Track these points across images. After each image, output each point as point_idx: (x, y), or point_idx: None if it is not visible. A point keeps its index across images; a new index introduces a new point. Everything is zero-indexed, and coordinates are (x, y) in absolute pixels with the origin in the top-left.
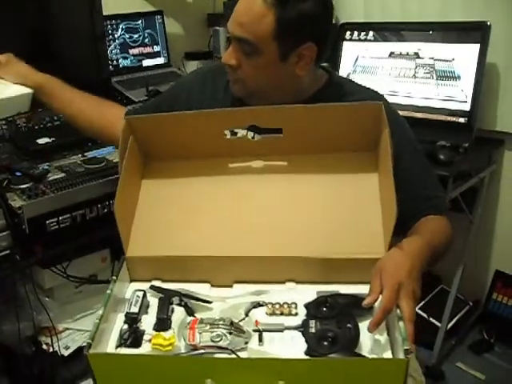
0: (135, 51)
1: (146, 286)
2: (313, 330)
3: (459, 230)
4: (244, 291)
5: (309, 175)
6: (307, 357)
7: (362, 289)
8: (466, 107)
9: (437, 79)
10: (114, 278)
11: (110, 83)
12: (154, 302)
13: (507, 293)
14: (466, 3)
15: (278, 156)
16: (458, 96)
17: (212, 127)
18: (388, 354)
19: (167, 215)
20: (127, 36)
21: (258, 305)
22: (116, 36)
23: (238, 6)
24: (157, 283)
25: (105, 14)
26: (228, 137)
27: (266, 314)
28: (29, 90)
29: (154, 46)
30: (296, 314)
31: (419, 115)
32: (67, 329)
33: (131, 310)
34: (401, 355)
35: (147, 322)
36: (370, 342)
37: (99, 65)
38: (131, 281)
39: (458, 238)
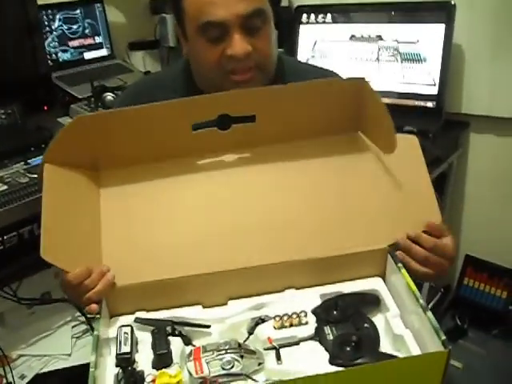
0: (75, 43)
1: (129, 319)
2: (330, 337)
3: None
4: (241, 307)
5: (291, 165)
6: (337, 368)
7: (363, 285)
8: (434, 91)
9: (401, 62)
10: (98, 316)
11: (49, 79)
12: (143, 336)
13: (478, 277)
14: None
15: (253, 148)
16: (424, 79)
17: (176, 121)
18: (415, 348)
19: (139, 232)
20: (65, 27)
21: (260, 320)
22: (53, 27)
23: None
24: (141, 315)
25: (39, 3)
26: (195, 132)
27: (275, 328)
28: None
29: (96, 37)
30: (307, 323)
31: (384, 101)
32: (21, 355)
33: (122, 351)
34: (434, 347)
35: (142, 360)
36: (387, 339)
37: (36, 60)
38: (111, 316)
39: None
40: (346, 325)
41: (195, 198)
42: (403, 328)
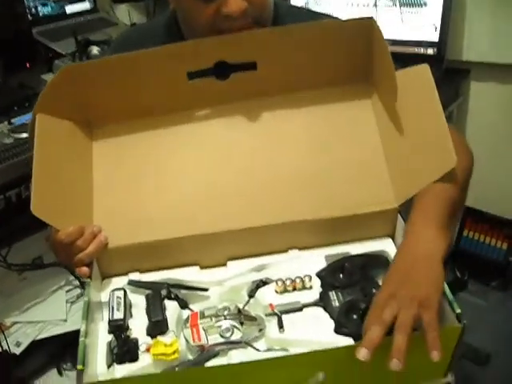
0: None
1: (122, 281)
2: (336, 304)
3: None
4: (242, 269)
5: (295, 117)
6: (339, 336)
7: (372, 246)
8: (435, 37)
9: (400, 7)
10: (89, 280)
11: (30, 35)
12: (137, 300)
13: (478, 229)
14: None
15: (254, 99)
16: (424, 25)
17: (169, 69)
18: None
19: (133, 189)
20: None
21: (261, 283)
22: None
23: None
24: (135, 276)
25: None
26: (191, 81)
27: (277, 292)
28: None
29: None
30: (311, 288)
31: None
32: (16, 323)
33: (115, 317)
34: (447, 319)
35: (136, 326)
36: None
37: (15, 14)
38: (103, 278)
39: None
40: (353, 290)
41: (192, 153)
42: None
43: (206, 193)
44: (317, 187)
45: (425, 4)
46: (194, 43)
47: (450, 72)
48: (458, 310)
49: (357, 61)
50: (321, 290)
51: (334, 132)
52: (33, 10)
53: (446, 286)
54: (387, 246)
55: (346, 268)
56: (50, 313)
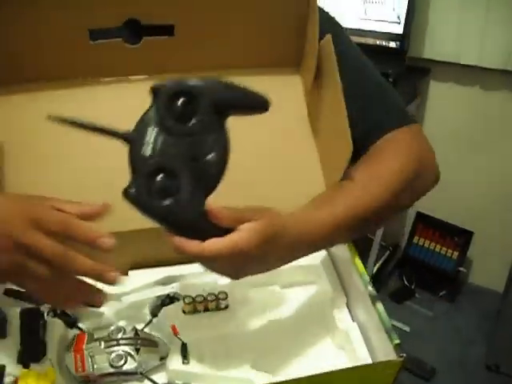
0: None
1: None
2: (148, 151)
3: None
4: (146, 280)
5: None
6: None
7: None
8: (399, 29)
9: None
10: None
11: None
12: (12, 314)
13: (429, 236)
14: None
15: (167, 72)
16: (388, 16)
17: (67, 22)
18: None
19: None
20: None
21: (168, 299)
22: None
23: None
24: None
25: None
26: (94, 42)
27: (184, 312)
28: None
29: None
30: (226, 308)
31: None
32: None
33: None
34: (384, 350)
35: (7, 350)
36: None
37: None
38: None
39: None
40: (182, 140)
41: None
42: (349, 321)
43: (102, 181)
44: (243, 185)
45: None
46: None
47: (408, 69)
48: (397, 341)
49: (290, 35)
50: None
51: (260, 121)
52: None
53: (380, 308)
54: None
55: (194, 93)
56: None
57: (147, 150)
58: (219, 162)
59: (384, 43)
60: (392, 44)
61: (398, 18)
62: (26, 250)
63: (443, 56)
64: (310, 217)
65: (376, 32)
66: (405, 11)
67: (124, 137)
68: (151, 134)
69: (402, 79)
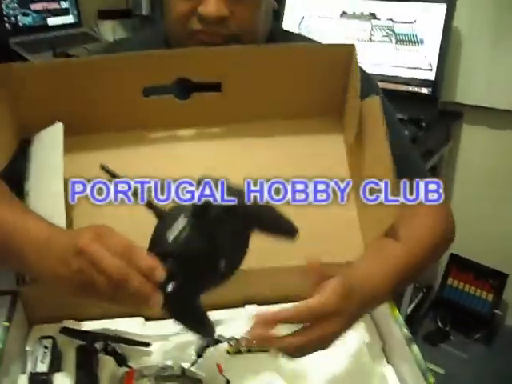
0: (38, 6)
1: (54, 329)
2: (170, 237)
3: None
4: None
5: (258, 148)
6: None
7: None
8: (431, 76)
9: (396, 43)
10: (6, 323)
11: (7, 44)
12: (68, 351)
13: (463, 278)
14: None
15: (215, 124)
16: (420, 63)
17: (122, 81)
18: None
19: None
20: None
21: (213, 341)
22: None
23: None
24: (70, 323)
25: None
26: (146, 98)
27: (229, 353)
28: None
29: (61, 2)
30: (268, 350)
31: None
32: None
33: (38, 369)
34: None
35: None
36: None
37: None
38: (30, 323)
39: None
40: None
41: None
42: (385, 363)
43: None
44: None
45: (421, 42)
46: (154, 54)
47: (441, 113)
48: (432, 380)
49: (331, 90)
50: None
51: (303, 168)
52: (12, 18)
53: (417, 351)
54: None
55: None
56: None
57: (170, 236)
58: (229, 270)
59: (416, 89)
60: (424, 90)
61: (430, 65)
62: (91, 258)
63: (475, 100)
64: (374, 271)
65: (408, 78)
66: (436, 58)
67: (157, 212)
68: (181, 222)
69: (435, 123)
